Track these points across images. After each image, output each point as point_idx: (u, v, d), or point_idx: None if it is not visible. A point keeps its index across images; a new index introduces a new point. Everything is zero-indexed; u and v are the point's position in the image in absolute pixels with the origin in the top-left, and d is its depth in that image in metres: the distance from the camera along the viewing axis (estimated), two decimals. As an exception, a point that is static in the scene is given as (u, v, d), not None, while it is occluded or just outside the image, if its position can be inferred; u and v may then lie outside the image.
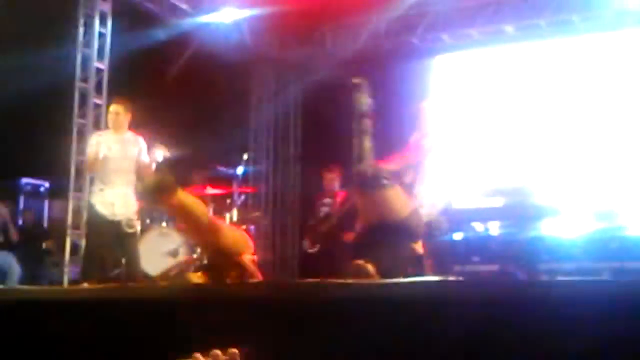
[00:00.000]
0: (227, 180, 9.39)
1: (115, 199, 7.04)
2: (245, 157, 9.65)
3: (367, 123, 5.74)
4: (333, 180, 9.10)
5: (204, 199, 8.87)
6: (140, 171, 7.17)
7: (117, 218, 7.01)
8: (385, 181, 5.63)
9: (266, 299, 3.75)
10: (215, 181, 9.13)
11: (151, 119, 7.88)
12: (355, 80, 5.92)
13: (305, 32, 11.91)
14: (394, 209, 5.72)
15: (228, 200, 9.27)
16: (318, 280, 4.36)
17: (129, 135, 7.25)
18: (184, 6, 10.67)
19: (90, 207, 7.24)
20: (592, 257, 8.19)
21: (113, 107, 7.31)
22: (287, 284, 5.55)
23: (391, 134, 6.86)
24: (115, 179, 7.09)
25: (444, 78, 11.30)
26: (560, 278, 7.75)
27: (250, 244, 5.86)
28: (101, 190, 7.10)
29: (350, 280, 4.43)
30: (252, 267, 5.57)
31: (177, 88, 10.16)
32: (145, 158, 7.20)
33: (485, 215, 8.27)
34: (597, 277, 7.69)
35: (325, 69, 11.73)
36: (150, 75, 9.76)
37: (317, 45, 12.00)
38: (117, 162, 7.10)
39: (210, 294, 4.20)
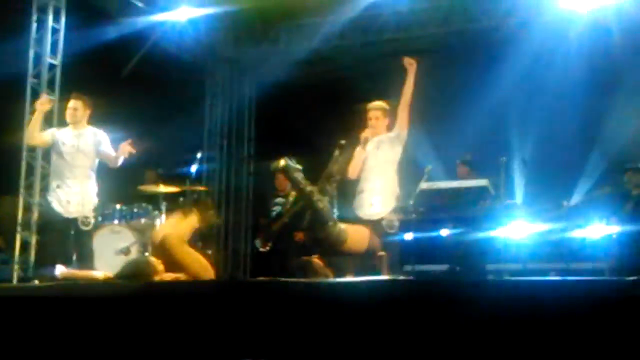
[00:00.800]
0: (180, 178, 9.37)
1: (71, 196, 6.94)
2: (198, 155, 9.63)
3: (334, 184, 6.17)
4: (285, 179, 9.15)
5: (156, 196, 8.89)
6: (107, 161, 7.14)
7: (73, 215, 6.92)
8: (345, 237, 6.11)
9: (217, 297, 3.80)
10: (168, 179, 9.10)
11: (104, 116, 7.83)
12: (342, 142, 6.45)
13: (260, 32, 11.95)
14: (355, 250, 6.17)
15: (181, 199, 9.26)
16: (269, 278, 4.42)
17: (87, 129, 7.16)
18: (139, 4, 10.61)
19: (46, 204, 7.12)
20: (538, 258, 8.37)
21: (71, 103, 7.19)
22: (238, 283, 5.60)
23: (344, 132, 6.96)
24: (70, 175, 6.99)
25: (397, 78, 11.37)
26: (507, 278, 7.93)
27: (211, 273, 6.01)
28: (58, 187, 6.99)
29: (299, 279, 4.50)
30: None
31: (131, 86, 10.11)
32: (108, 149, 7.13)
33: (434, 215, 8.38)
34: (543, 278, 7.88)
35: (279, 69, 11.80)
36: (104, 73, 9.69)
37: (271, 44, 12.03)
38: (71, 157, 7.01)
39: (160, 291, 4.23)
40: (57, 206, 6.95)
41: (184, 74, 11.40)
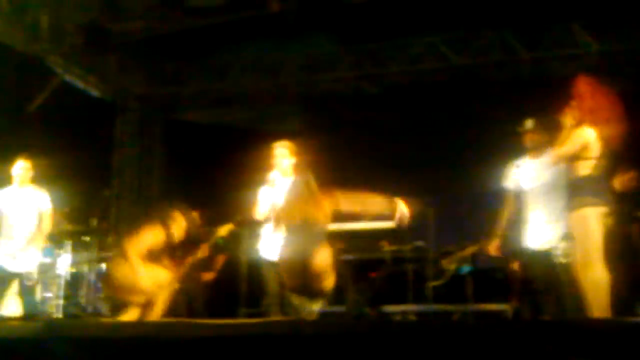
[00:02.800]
0: (88, 216, 9.23)
1: (15, 253, 7.27)
2: (106, 193, 9.52)
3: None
4: (195, 219, 9.10)
5: (62, 235, 8.71)
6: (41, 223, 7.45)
7: (17, 271, 7.27)
8: None
9: (117, 339, 3.76)
10: (75, 218, 8.96)
11: (11, 154, 7.75)
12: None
13: (171, 70, 11.90)
14: None
15: (88, 238, 9.11)
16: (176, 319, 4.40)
17: (30, 189, 7.52)
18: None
19: None
20: (445, 300, 8.48)
21: (19, 164, 7.52)
22: (139, 324, 5.53)
23: (253, 172, 6.96)
24: (14, 234, 7.34)
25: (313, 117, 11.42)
26: (413, 319, 8.05)
27: None
28: (3, 243, 7.29)
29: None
30: None
31: (39, 122, 9.94)
32: (45, 207, 7.48)
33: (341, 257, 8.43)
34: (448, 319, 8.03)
35: (189, 109, 11.78)
36: (11, 109, 9.51)
37: (182, 84, 11.97)
38: (15, 218, 7.38)
39: (66, 331, 4.17)
40: (2, 262, 7.25)
41: (93, 110, 11.26)
